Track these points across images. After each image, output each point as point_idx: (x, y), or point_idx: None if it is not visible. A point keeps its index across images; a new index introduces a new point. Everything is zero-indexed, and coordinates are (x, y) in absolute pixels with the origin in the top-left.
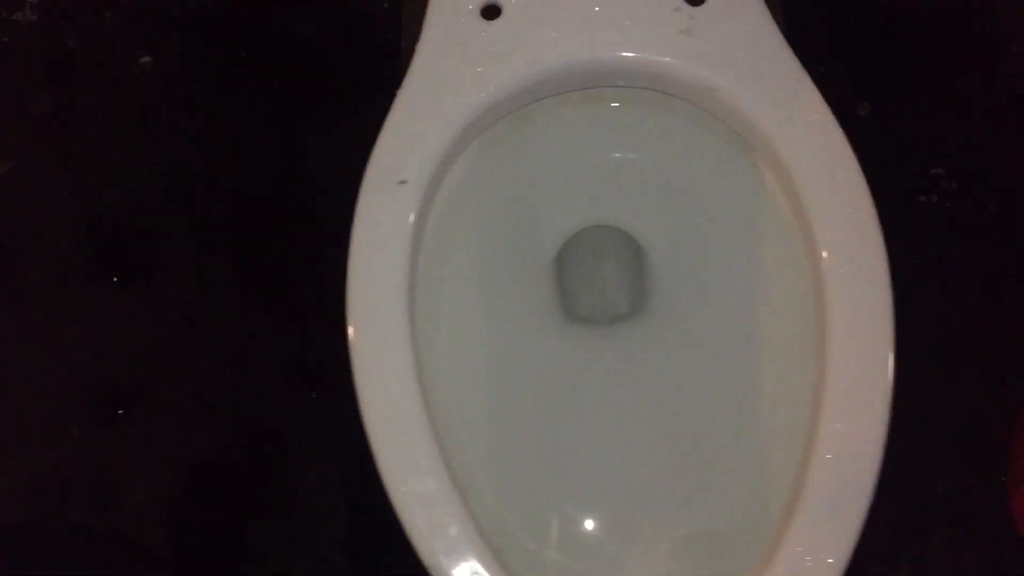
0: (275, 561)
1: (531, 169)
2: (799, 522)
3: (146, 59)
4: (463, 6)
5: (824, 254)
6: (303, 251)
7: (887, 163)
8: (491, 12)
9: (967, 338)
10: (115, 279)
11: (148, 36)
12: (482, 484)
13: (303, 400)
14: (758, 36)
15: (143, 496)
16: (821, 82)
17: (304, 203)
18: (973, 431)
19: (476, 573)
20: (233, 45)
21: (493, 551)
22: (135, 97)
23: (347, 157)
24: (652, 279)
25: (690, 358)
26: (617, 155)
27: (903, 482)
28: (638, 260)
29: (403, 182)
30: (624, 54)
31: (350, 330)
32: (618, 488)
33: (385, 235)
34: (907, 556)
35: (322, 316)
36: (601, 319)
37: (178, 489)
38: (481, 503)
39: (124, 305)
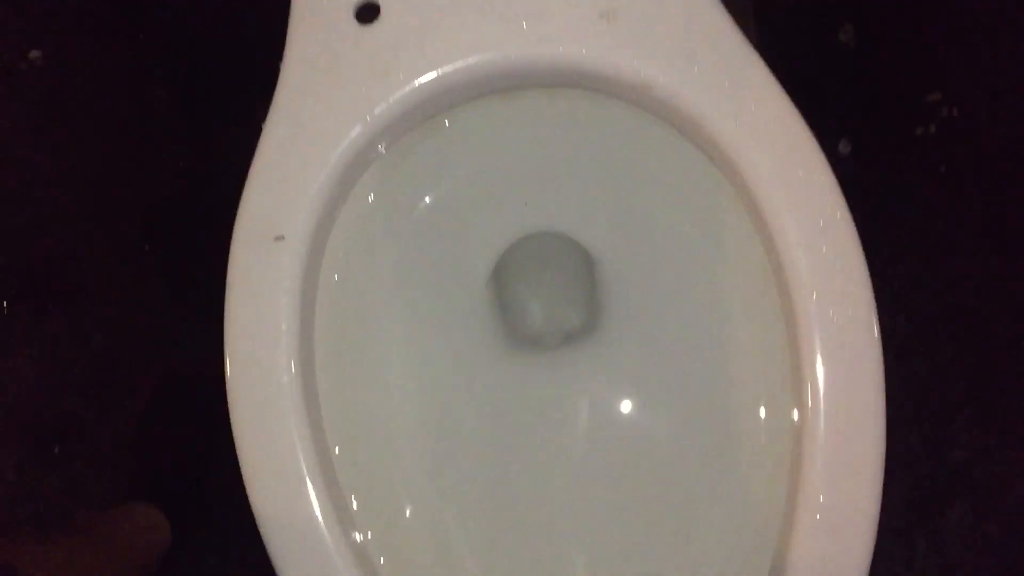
0: None
1: (449, 179)
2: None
3: (35, 54)
4: (332, 8)
5: (792, 258)
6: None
7: (876, 92)
8: (368, 13)
9: (977, 291)
10: (30, 306)
11: (38, 29)
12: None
13: None
14: (694, 13)
15: None
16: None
17: (221, 203)
18: (989, 393)
19: None
20: (131, 34)
21: None
22: (24, 96)
23: None
24: (605, 290)
25: (654, 379)
26: (550, 152)
27: (916, 453)
28: (587, 269)
29: (280, 238)
30: (531, 51)
31: (232, 415)
32: (581, 545)
33: (265, 302)
34: (923, 531)
35: None
36: (550, 340)
37: None
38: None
39: (44, 333)
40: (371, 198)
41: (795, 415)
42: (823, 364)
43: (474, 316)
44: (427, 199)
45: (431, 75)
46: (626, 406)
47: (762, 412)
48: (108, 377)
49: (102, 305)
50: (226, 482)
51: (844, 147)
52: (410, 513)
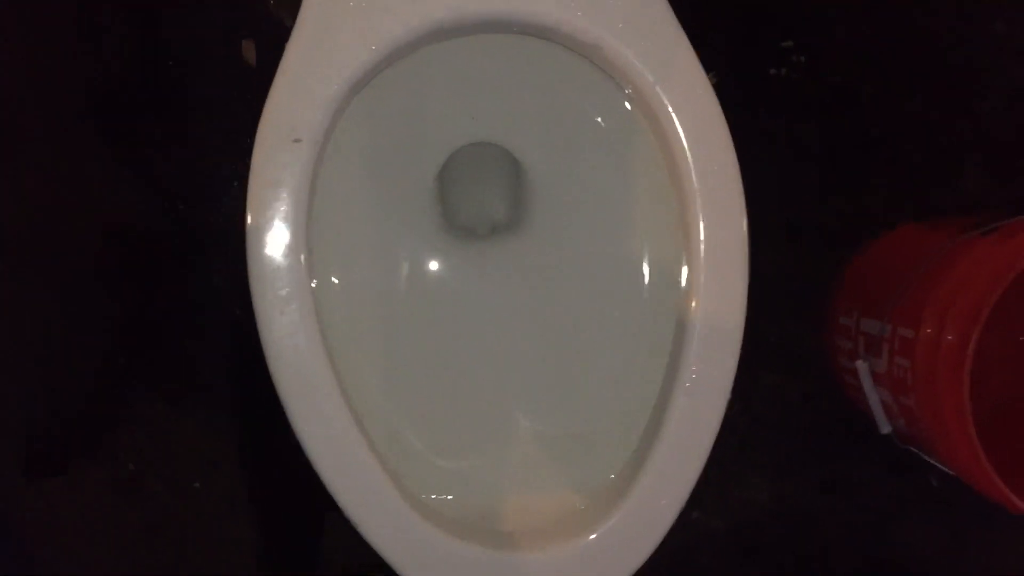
0: None
1: (415, 93)
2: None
3: None
4: None
5: (691, 182)
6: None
7: (740, 36)
8: None
9: (804, 205)
10: None
11: None
12: (377, 397)
13: None
14: None
15: None
16: None
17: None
18: (807, 290)
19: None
20: None
21: (392, 476)
22: None
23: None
24: (529, 193)
25: (564, 265)
26: (497, 80)
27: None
28: (516, 174)
29: (298, 140)
30: (516, 7)
31: (253, 293)
32: (498, 393)
33: (283, 193)
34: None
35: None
36: (480, 229)
37: None
38: (376, 413)
39: None
40: (360, 107)
41: (682, 279)
42: (705, 242)
43: (422, 205)
44: (396, 108)
45: (429, 17)
46: (543, 282)
47: (648, 276)
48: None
49: (41, 161)
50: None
51: (712, 78)
52: (367, 368)
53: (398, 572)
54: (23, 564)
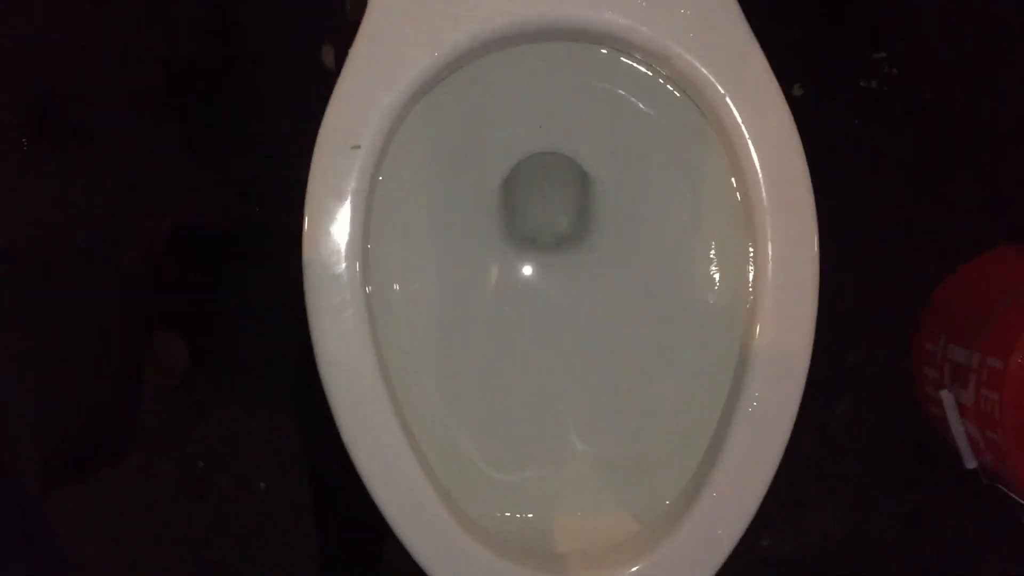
0: None
1: (482, 102)
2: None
3: None
4: None
5: (760, 199)
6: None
7: (830, 46)
8: None
9: (891, 221)
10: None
11: None
12: (434, 405)
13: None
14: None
15: None
16: None
17: (238, 59)
18: (892, 313)
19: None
20: None
21: (441, 491)
22: None
23: None
24: (595, 206)
25: (627, 282)
26: (565, 88)
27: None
28: (583, 185)
29: (356, 147)
30: (580, 14)
31: (308, 300)
32: (555, 409)
33: (341, 200)
34: (812, 420)
35: (267, 179)
36: (545, 241)
37: None
38: (432, 421)
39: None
40: (422, 114)
41: (748, 300)
42: (772, 261)
43: (487, 215)
44: (461, 115)
45: (493, 24)
46: (605, 298)
47: (713, 297)
48: (121, 218)
49: (117, 149)
50: (230, 316)
51: (798, 90)
52: (425, 381)
53: None
54: (80, 560)
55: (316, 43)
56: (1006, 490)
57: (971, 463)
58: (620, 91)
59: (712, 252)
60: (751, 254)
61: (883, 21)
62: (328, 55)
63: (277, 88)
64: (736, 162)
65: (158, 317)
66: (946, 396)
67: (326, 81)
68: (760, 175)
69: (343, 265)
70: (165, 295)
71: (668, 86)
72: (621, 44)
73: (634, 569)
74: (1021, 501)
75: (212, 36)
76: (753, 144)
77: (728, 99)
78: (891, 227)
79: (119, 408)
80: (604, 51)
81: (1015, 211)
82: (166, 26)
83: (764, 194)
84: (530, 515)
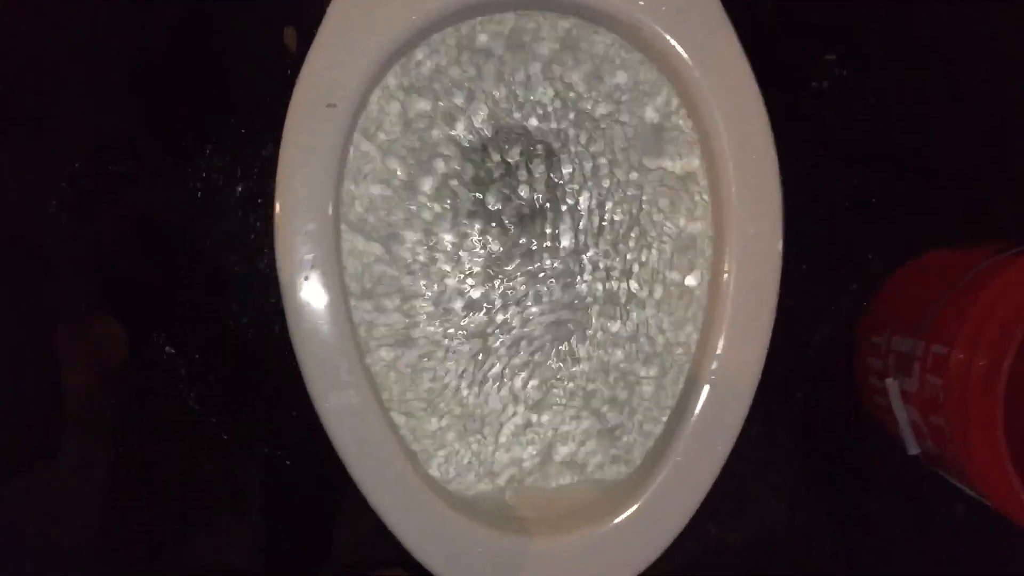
0: None
1: (453, 70)
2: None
3: None
4: None
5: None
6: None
7: (782, 47)
8: None
9: (841, 222)
10: None
11: None
12: (397, 371)
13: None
14: None
15: None
16: None
17: (205, 51)
18: (833, 310)
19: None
20: None
21: (408, 452)
22: None
23: None
24: (561, 183)
25: (593, 258)
26: (540, 61)
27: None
28: (549, 163)
29: (332, 105)
30: None
31: (278, 255)
32: (519, 382)
33: (316, 158)
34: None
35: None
36: (510, 217)
37: None
38: (397, 389)
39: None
40: (398, 75)
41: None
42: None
43: (453, 187)
44: (432, 84)
45: None
46: (571, 273)
47: (679, 275)
48: (73, 207)
49: (70, 138)
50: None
51: None
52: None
53: (407, 547)
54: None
55: (278, 25)
56: (945, 474)
57: (913, 449)
58: (594, 66)
59: (680, 230)
60: (717, 233)
61: (833, 22)
62: (290, 36)
63: (239, 74)
64: (705, 138)
65: (98, 304)
66: (891, 384)
67: (290, 64)
68: (727, 146)
69: (314, 223)
70: (112, 284)
71: (642, 62)
72: (592, 14)
73: (597, 533)
74: (959, 486)
75: (169, 20)
76: (720, 115)
77: (697, 73)
78: (840, 226)
79: (42, 400)
80: (581, 25)
81: (957, 213)
82: (118, 10)
83: (731, 167)
84: (497, 481)
